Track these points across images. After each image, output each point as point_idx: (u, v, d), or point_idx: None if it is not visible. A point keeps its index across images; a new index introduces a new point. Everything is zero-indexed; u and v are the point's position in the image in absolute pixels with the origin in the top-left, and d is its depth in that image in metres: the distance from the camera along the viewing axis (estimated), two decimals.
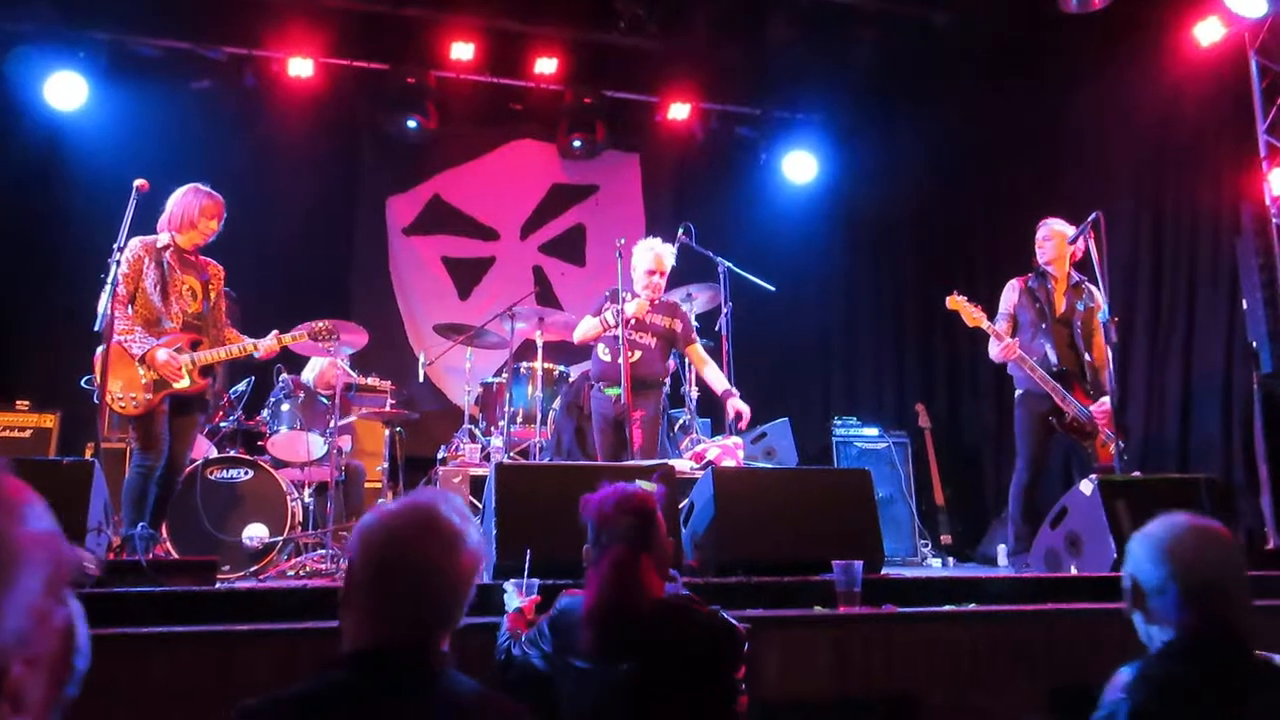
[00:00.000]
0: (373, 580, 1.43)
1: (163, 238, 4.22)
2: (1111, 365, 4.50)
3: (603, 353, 4.92)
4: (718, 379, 5.01)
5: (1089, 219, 4.51)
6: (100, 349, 3.87)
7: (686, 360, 5.40)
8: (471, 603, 1.49)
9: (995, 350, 4.79)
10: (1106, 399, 4.61)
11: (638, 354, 4.86)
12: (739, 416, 4.82)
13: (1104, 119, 6.50)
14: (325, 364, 5.63)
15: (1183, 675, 1.64)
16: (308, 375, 5.79)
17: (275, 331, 4.45)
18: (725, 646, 2.07)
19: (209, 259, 4.41)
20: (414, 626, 1.42)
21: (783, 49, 6.88)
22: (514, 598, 2.62)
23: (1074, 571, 3.87)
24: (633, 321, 4.82)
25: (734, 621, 2.13)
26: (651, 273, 4.89)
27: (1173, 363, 5.99)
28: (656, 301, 4.93)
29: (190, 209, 4.23)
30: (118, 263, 3.87)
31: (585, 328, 4.88)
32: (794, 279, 6.79)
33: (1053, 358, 4.75)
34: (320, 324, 4.63)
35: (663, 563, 2.21)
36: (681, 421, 5.93)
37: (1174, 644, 1.67)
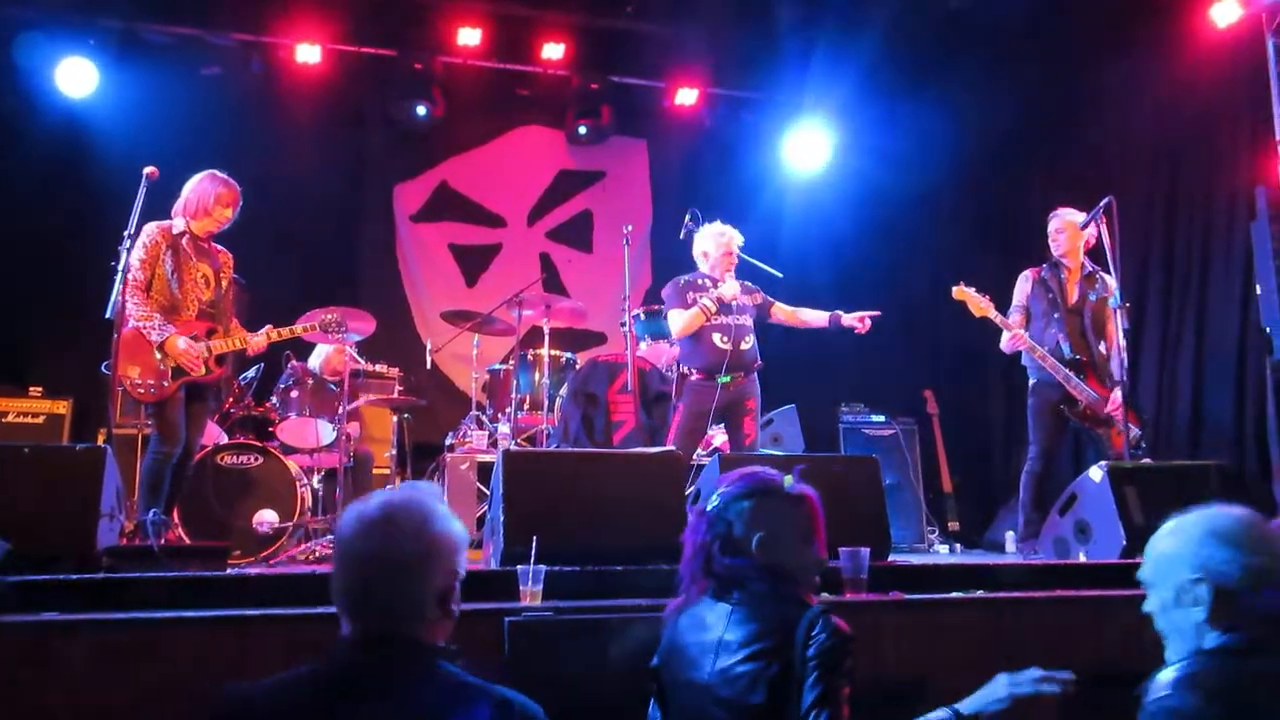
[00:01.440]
0: (340, 575, 1.52)
1: (178, 223, 4.23)
2: (1123, 353, 4.49)
3: (720, 341, 4.67)
4: (815, 314, 4.96)
5: (1100, 204, 4.49)
6: (115, 336, 3.88)
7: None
8: (455, 592, 1.54)
9: (1005, 341, 4.79)
10: (1118, 390, 4.60)
11: (750, 340, 4.75)
12: (859, 320, 4.79)
13: (1119, 101, 6.46)
14: (332, 351, 5.66)
15: (1265, 673, 1.61)
16: (315, 362, 5.82)
17: (268, 327, 4.45)
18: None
19: (220, 246, 4.43)
20: (383, 618, 1.49)
21: (792, 32, 6.84)
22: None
23: (1083, 559, 3.87)
24: (733, 305, 4.74)
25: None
26: (730, 254, 4.86)
27: (1185, 349, 5.97)
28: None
29: (206, 196, 4.24)
30: (128, 250, 3.90)
31: (684, 321, 4.70)
32: (802, 265, 6.76)
33: (1065, 347, 4.76)
34: (328, 316, 4.64)
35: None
36: None
37: (1254, 640, 1.64)
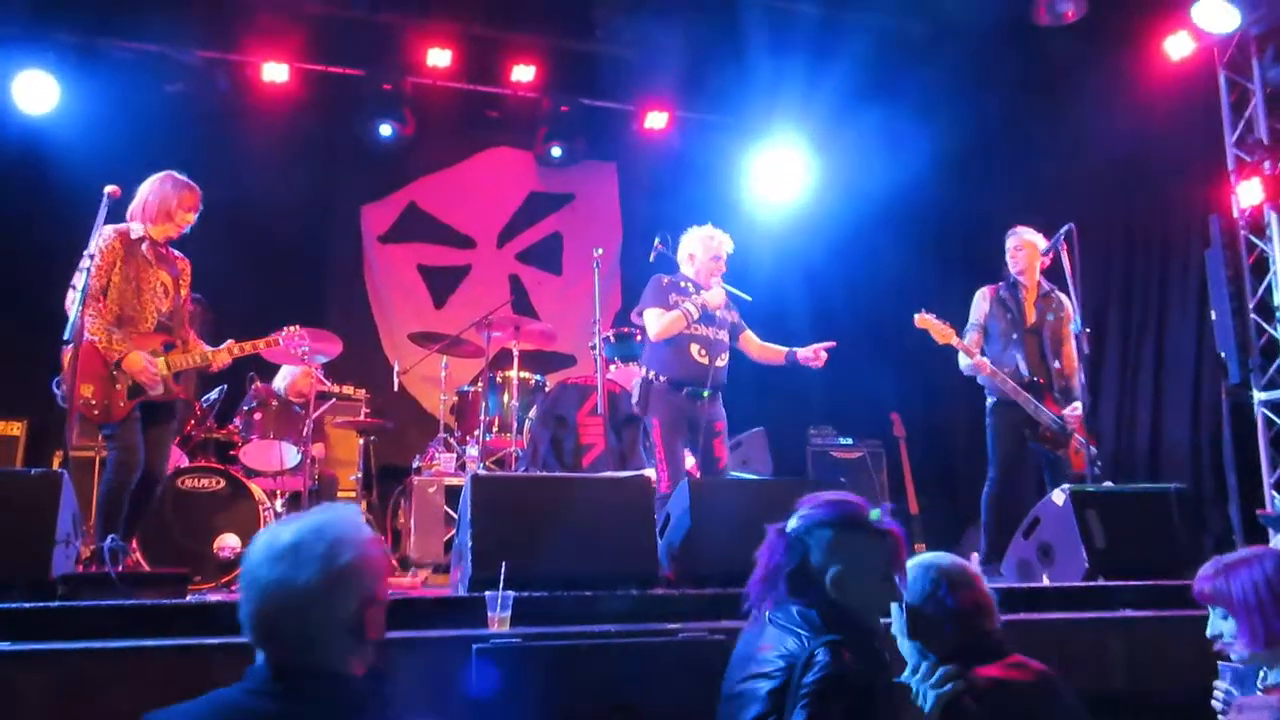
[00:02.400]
0: (245, 603, 1.48)
1: (135, 228, 4.06)
2: (1082, 374, 4.58)
3: (697, 353, 4.46)
4: (774, 349, 4.73)
5: (1061, 231, 4.58)
6: (72, 355, 3.74)
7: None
8: (371, 621, 1.50)
9: (966, 364, 4.84)
10: (1078, 404, 4.67)
11: (725, 358, 4.52)
12: (813, 353, 4.59)
13: (1079, 128, 6.62)
14: (298, 372, 5.60)
15: None
16: (280, 383, 5.76)
17: (230, 342, 4.27)
18: None
19: (178, 253, 4.27)
20: (293, 648, 1.46)
21: (760, 57, 6.94)
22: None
23: (1046, 581, 3.92)
24: (715, 316, 4.49)
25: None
26: (718, 259, 4.62)
27: (1144, 373, 6.09)
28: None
29: (167, 199, 4.08)
30: (87, 270, 3.73)
31: (664, 323, 4.44)
32: (772, 288, 6.81)
33: (1024, 369, 4.81)
34: (290, 329, 4.54)
35: None
36: None
37: None
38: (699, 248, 4.68)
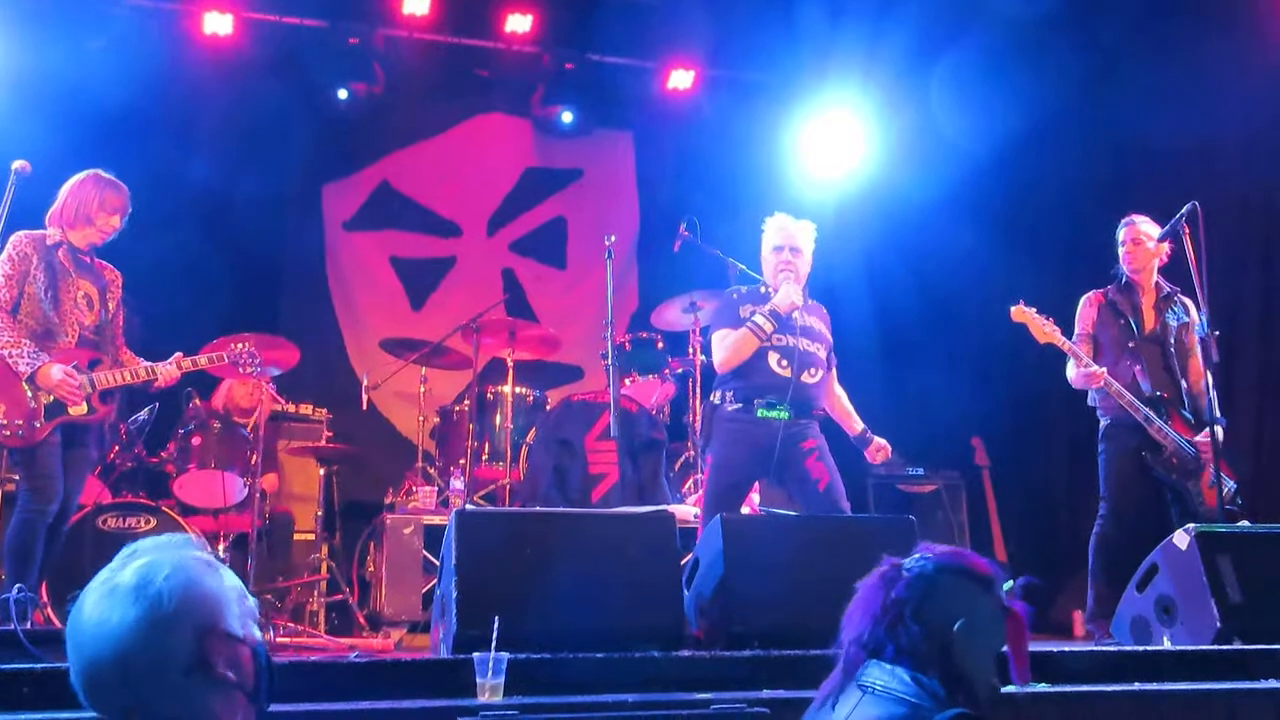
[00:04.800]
0: (70, 662, 1.47)
1: (53, 233, 4.23)
2: (1212, 390, 4.53)
3: (777, 364, 4.36)
4: (851, 414, 4.73)
5: (1182, 212, 4.55)
6: None
7: (691, 381, 5.36)
8: (221, 658, 1.48)
9: (1075, 374, 4.82)
10: (1209, 430, 4.64)
11: (819, 372, 4.47)
12: (879, 450, 4.65)
13: (1202, 92, 6.56)
14: (236, 383, 5.63)
15: None
16: (218, 399, 5.80)
17: (177, 355, 4.42)
18: None
19: (105, 263, 4.43)
20: (131, 711, 1.44)
21: (809, 4, 6.95)
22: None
23: (1167, 644, 3.87)
24: (793, 321, 4.41)
25: None
26: (779, 250, 4.55)
27: None
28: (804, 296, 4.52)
29: (88, 201, 4.22)
30: None
31: (729, 344, 4.41)
32: (821, 283, 6.77)
33: (1144, 382, 4.79)
34: (238, 345, 4.60)
35: None
36: (684, 458, 5.94)
37: None
38: (762, 243, 4.68)
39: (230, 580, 1.56)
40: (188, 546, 1.57)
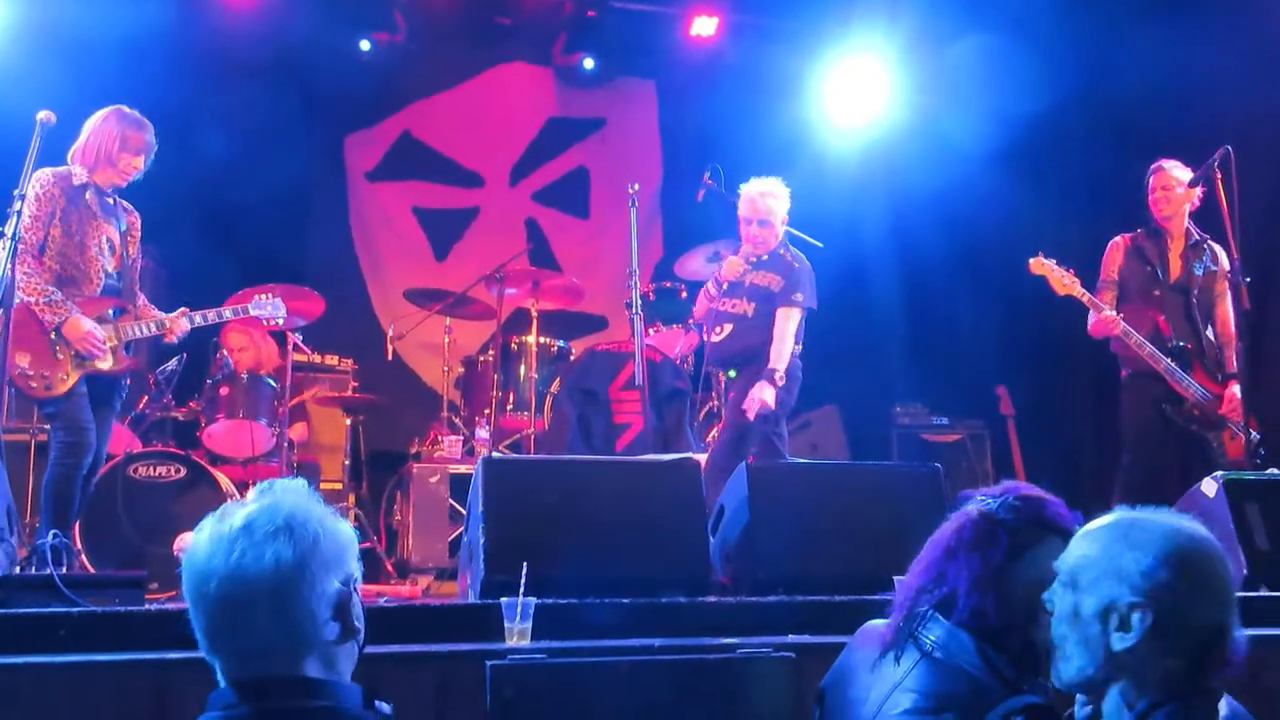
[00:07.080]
0: (195, 611, 1.47)
1: (79, 172, 4.12)
2: (1239, 340, 4.49)
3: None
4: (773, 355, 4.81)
5: (1214, 156, 4.49)
6: (3, 317, 3.83)
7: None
8: (351, 603, 1.51)
9: (1093, 323, 4.80)
10: (1235, 385, 4.60)
11: (727, 328, 4.89)
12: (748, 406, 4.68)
13: (1235, 33, 6.42)
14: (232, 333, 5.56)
15: None
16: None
17: (183, 309, 4.35)
18: None
19: (127, 204, 4.34)
20: (260, 657, 1.45)
21: None
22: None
23: None
24: (725, 287, 4.90)
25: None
26: (747, 222, 4.89)
27: None
28: (758, 257, 4.90)
29: (110, 139, 4.12)
30: (19, 214, 3.76)
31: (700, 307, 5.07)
32: (848, 234, 6.76)
33: (1167, 332, 4.75)
34: (263, 296, 4.58)
35: None
36: (708, 408, 5.94)
37: None
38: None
39: (349, 528, 1.57)
40: (308, 487, 1.56)
